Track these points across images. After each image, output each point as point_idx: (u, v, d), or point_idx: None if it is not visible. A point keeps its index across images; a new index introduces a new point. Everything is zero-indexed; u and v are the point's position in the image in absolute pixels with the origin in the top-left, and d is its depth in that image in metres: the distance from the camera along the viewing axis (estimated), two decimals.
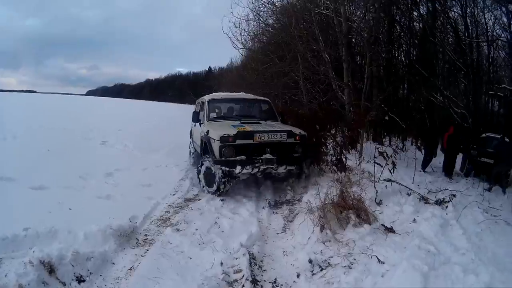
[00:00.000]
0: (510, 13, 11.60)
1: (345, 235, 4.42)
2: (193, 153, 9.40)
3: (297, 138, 6.71)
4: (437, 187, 6.79)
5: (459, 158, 9.26)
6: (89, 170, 7.77)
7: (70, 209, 5.36)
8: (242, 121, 7.19)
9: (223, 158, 6.27)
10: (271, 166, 6.50)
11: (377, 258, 3.81)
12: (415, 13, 14.37)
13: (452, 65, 13.32)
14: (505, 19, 12.19)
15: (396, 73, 15.03)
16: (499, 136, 8.78)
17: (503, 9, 12.05)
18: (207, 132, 6.73)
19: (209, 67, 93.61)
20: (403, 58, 15.68)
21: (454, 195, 6.12)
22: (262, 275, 3.92)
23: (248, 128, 6.63)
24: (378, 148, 7.21)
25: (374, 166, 6.47)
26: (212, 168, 6.45)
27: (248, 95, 9.31)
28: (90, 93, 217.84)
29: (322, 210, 4.69)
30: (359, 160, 7.60)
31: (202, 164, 6.73)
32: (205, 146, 6.81)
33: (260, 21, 16.25)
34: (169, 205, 6.13)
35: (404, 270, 3.40)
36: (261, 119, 7.73)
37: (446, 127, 9.08)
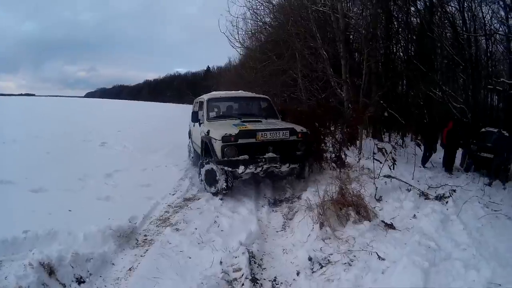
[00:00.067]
0: (508, 6, 11.57)
1: (345, 232, 4.41)
2: (192, 153, 9.30)
3: (299, 135, 6.63)
4: (437, 183, 6.74)
5: (459, 153, 9.23)
6: (88, 171, 7.78)
7: (69, 210, 5.35)
8: (242, 120, 7.10)
9: (225, 158, 6.17)
10: (274, 165, 6.40)
11: (377, 254, 3.79)
12: (412, 8, 14.34)
13: (451, 60, 13.30)
14: (502, 13, 12.18)
15: (394, 69, 14.98)
16: (496, 130, 8.73)
17: (501, 2, 12.04)
18: (208, 132, 6.64)
19: (208, 66, 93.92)
20: (401, 54, 15.64)
21: (454, 190, 6.08)
22: (261, 274, 3.91)
23: (250, 126, 6.54)
24: (377, 145, 7.18)
25: (373, 162, 6.43)
26: (214, 168, 6.38)
27: (247, 93, 9.23)
28: (89, 95, 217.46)
29: (321, 207, 4.67)
30: (358, 156, 7.57)
31: (203, 165, 6.64)
32: (206, 146, 6.73)
33: (257, 20, 16.25)
34: (168, 205, 6.13)
35: (405, 266, 3.37)
36: (262, 117, 7.66)
37: (446, 122, 9.06)
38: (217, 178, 6.36)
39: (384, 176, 6.35)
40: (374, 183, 5.89)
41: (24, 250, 3.82)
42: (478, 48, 13.16)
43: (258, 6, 15.61)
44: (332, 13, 12.02)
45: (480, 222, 4.77)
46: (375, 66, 13.52)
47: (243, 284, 3.59)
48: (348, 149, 8.08)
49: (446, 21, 13.55)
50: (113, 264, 4.02)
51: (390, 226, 4.55)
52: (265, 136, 6.31)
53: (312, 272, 3.78)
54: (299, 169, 7.06)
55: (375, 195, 5.66)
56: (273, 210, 6.00)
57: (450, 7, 13.46)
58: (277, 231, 5.11)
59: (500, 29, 12.59)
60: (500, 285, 3.15)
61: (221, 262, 3.96)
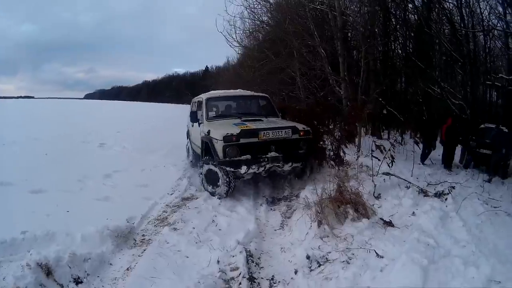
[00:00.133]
0: (505, 2, 11.52)
1: (343, 230, 4.38)
2: (191, 154, 9.18)
3: (301, 133, 6.58)
4: (436, 180, 6.71)
5: (459, 150, 9.20)
6: (87, 172, 7.84)
7: (68, 211, 5.39)
8: (243, 119, 7.04)
9: (227, 159, 6.09)
10: (277, 164, 6.33)
11: (376, 252, 3.76)
12: (410, 5, 14.30)
13: (449, 56, 13.25)
14: (500, 9, 12.12)
15: (393, 66, 14.96)
16: (494, 126, 8.70)
17: None
18: (208, 132, 6.55)
19: (206, 66, 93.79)
20: (399, 51, 15.60)
21: (454, 187, 6.03)
22: (259, 272, 3.91)
23: (251, 126, 6.48)
24: (375, 142, 7.15)
25: (372, 160, 6.39)
26: (215, 169, 6.30)
27: (246, 92, 9.13)
28: (87, 96, 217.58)
29: (319, 205, 4.66)
30: (357, 154, 7.54)
31: (203, 166, 6.58)
32: (206, 147, 6.65)
33: (255, 18, 16.25)
34: (166, 205, 6.16)
35: (403, 264, 3.34)
36: (262, 115, 7.57)
37: (444, 119, 9.03)
38: (218, 179, 6.29)
39: (383, 173, 6.31)
40: (372, 181, 5.85)
41: (23, 251, 3.84)
42: (476, 44, 13.10)
43: (256, 5, 15.63)
44: (329, 11, 12.01)
45: (479, 219, 4.72)
46: (373, 63, 13.51)
47: (240, 283, 3.59)
48: (347, 146, 8.04)
49: (444, 17, 13.50)
50: (110, 264, 4.03)
51: (389, 224, 4.51)
52: (268, 135, 6.24)
53: (310, 271, 3.77)
54: (302, 168, 7.00)
55: (374, 192, 5.61)
56: (271, 209, 5.99)
57: (447, 3, 13.42)
58: (275, 230, 5.10)
59: (498, 25, 12.57)
60: (500, 282, 3.12)
61: (218, 261, 3.97)
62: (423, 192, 5.77)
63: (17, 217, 4.98)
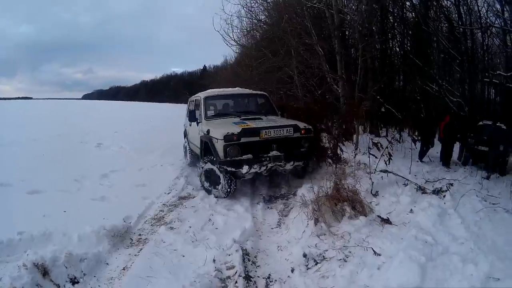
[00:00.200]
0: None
1: (340, 228, 4.36)
2: (189, 154, 9.07)
3: (303, 132, 6.48)
4: (434, 177, 6.67)
5: (457, 147, 9.18)
6: (84, 172, 7.85)
7: (64, 211, 5.38)
8: (242, 118, 6.92)
9: (228, 158, 5.95)
10: (279, 164, 6.21)
11: (373, 250, 3.75)
12: (407, 3, 14.28)
13: (447, 54, 13.24)
14: (498, 6, 12.11)
15: (391, 64, 14.93)
16: (491, 123, 8.66)
17: None
18: (208, 131, 6.45)
19: (204, 66, 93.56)
20: (397, 49, 15.58)
21: (452, 184, 6.00)
22: (255, 271, 3.88)
23: (252, 124, 6.34)
24: (372, 139, 7.11)
25: (369, 157, 6.36)
26: (216, 169, 6.21)
27: (245, 90, 8.98)
28: (86, 97, 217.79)
29: (316, 203, 4.62)
30: (355, 152, 7.50)
31: (203, 166, 6.49)
32: (206, 146, 6.55)
33: (252, 17, 16.21)
34: (163, 204, 6.14)
35: (401, 261, 3.33)
36: (261, 114, 7.44)
37: (443, 116, 9.01)
38: (219, 179, 6.20)
39: (381, 171, 6.29)
40: (370, 178, 5.82)
41: (19, 251, 3.88)
42: (474, 42, 13.09)
43: (253, 4, 15.61)
44: (326, 9, 11.96)
45: (478, 216, 4.70)
46: (371, 61, 13.48)
47: (236, 282, 3.57)
48: (344, 144, 8.00)
49: (442, 15, 13.48)
50: (107, 264, 4.02)
51: (387, 221, 4.49)
52: (269, 134, 6.14)
53: (307, 269, 3.74)
54: (303, 166, 6.91)
55: (371, 190, 5.60)
56: (268, 207, 5.95)
57: (445, 1, 13.42)
58: (272, 228, 5.07)
59: (496, 22, 12.56)
60: (498, 279, 3.10)
61: (214, 260, 3.94)
62: (421, 189, 5.76)
63: (14, 217, 4.97)
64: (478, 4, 12.66)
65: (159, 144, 12.41)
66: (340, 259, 3.75)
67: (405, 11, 14.56)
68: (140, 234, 4.87)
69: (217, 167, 6.17)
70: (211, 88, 9.54)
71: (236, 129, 6.03)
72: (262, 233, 4.91)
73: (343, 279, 3.38)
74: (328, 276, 3.52)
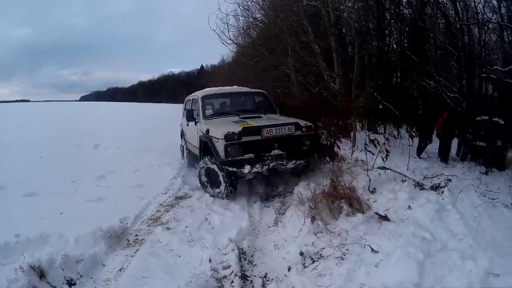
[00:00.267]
0: None
1: (338, 225, 4.33)
2: (187, 154, 8.93)
3: (304, 130, 6.38)
4: (432, 173, 6.67)
5: (455, 143, 9.15)
6: (81, 174, 7.86)
7: (61, 213, 5.41)
8: (241, 116, 6.83)
9: (229, 158, 5.82)
10: (281, 162, 6.08)
11: (371, 247, 3.72)
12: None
13: (444, 50, 13.22)
14: (495, 2, 12.07)
15: (388, 61, 14.91)
16: (487, 118, 8.64)
17: None
18: (207, 131, 6.33)
19: (201, 65, 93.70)
20: (394, 45, 15.56)
21: (450, 180, 5.97)
22: (252, 270, 3.86)
23: (252, 123, 6.25)
24: (368, 136, 7.08)
25: (366, 154, 6.32)
26: (216, 169, 6.09)
27: (243, 88, 8.93)
28: (83, 98, 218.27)
29: (312, 201, 4.59)
30: (352, 149, 7.47)
31: (203, 166, 6.38)
32: (205, 146, 6.46)
33: (248, 16, 16.19)
34: (160, 204, 6.13)
35: (399, 258, 3.29)
36: (260, 112, 7.33)
37: (440, 112, 8.98)
38: (219, 180, 6.08)
39: (378, 167, 6.27)
40: (367, 175, 5.80)
41: (16, 254, 3.89)
42: (472, 38, 13.07)
43: (249, 3, 15.58)
44: (323, 7, 11.91)
45: (476, 211, 4.67)
46: (368, 58, 13.44)
47: (232, 282, 3.55)
48: (341, 141, 7.96)
49: (438, 11, 13.45)
50: (103, 265, 4.02)
51: (384, 218, 4.46)
52: (271, 132, 6.02)
53: (304, 267, 3.71)
54: (305, 164, 6.79)
55: (369, 187, 5.57)
56: (265, 206, 5.91)
57: None
58: (269, 227, 5.03)
59: (493, 18, 12.54)
60: (498, 275, 3.07)
61: (210, 260, 3.93)
62: (419, 186, 5.73)
63: (11, 220, 5.00)
64: (475, 0, 12.63)
65: (156, 144, 12.41)
66: (337, 257, 3.71)
67: (401, 8, 14.53)
68: (136, 235, 4.85)
69: (217, 167, 6.06)
70: (208, 87, 9.45)
71: (237, 128, 5.92)
72: (259, 231, 4.87)
73: (340, 277, 3.35)
74: (325, 275, 3.48)
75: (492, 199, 5.21)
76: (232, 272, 3.67)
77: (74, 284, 3.58)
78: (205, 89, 8.51)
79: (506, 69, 10.95)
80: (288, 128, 6.19)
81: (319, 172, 6.45)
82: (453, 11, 12.97)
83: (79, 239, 4.28)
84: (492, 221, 4.42)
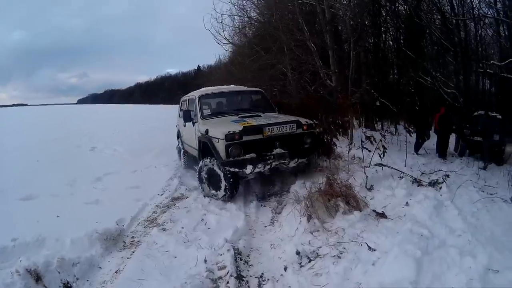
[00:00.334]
0: None
1: (334, 224, 4.28)
2: (184, 156, 8.80)
3: (305, 127, 6.27)
4: (430, 169, 6.60)
5: (453, 138, 9.12)
6: (78, 176, 7.92)
7: (57, 216, 5.44)
8: (240, 116, 6.72)
9: (230, 159, 5.66)
10: (283, 161, 5.96)
11: (368, 245, 3.67)
12: None
13: (440, 45, 13.21)
14: None
15: (384, 58, 14.89)
16: (483, 113, 8.61)
17: None
18: (206, 131, 6.20)
19: (198, 65, 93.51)
20: (390, 42, 15.55)
21: (448, 176, 5.91)
22: (248, 270, 3.84)
23: (252, 122, 6.14)
24: (364, 133, 7.03)
25: (363, 151, 6.27)
26: (217, 170, 5.95)
27: (240, 87, 8.81)
28: (80, 101, 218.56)
29: (308, 199, 4.55)
30: (349, 146, 7.42)
31: (203, 168, 6.25)
32: (204, 147, 6.35)
33: (243, 15, 16.17)
34: (156, 206, 6.14)
35: (396, 256, 3.25)
36: (259, 111, 7.21)
37: (437, 108, 8.95)
38: (221, 181, 5.94)
39: (375, 164, 6.21)
40: (364, 172, 5.73)
41: (14, 258, 3.92)
42: (468, 33, 13.05)
43: (244, 2, 15.56)
44: (318, 5, 11.88)
45: (475, 207, 4.63)
46: (364, 55, 13.41)
47: (228, 282, 3.53)
48: (338, 139, 7.91)
49: (434, 7, 13.44)
50: (100, 267, 4.05)
51: (382, 215, 4.41)
52: (272, 131, 5.89)
53: (300, 267, 3.67)
54: (307, 163, 6.71)
55: (366, 184, 5.51)
56: (261, 205, 5.85)
57: None
58: (265, 226, 5.00)
59: (489, 12, 12.51)
60: (498, 271, 3.02)
61: (205, 261, 3.92)
62: (417, 182, 5.67)
63: (8, 224, 5.02)
64: None
65: (154, 144, 12.48)
66: (334, 256, 3.67)
67: (397, 5, 14.50)
68: (133, 237, 4.85)
69: (218, 168, 5.94)
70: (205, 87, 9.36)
71: (237, 128, 5.79)
72: (255, 231, 4.84)
73: (336, 276, 3.30)
74: (321, 274, 3.44)
75: (491, 194, 5.17)
76: (228, 272, 3.65)
77: (70, 287, 3.59)
78: (202, 89, 8.37)
79: (503, 63, 10.93)
80: (290, 126, 6.08)
81: (315, 170, 6.39)
82: (448, 7, 12.97)
83: (75, 241, 4.31)
84: (491, 216, 4.38)
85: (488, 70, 11.87)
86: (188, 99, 8.27)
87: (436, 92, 12.46)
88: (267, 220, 5.19)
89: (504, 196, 5.03)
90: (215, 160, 5.93)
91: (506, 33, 12.00)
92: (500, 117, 8.17)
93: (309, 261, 3.70)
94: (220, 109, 7.65)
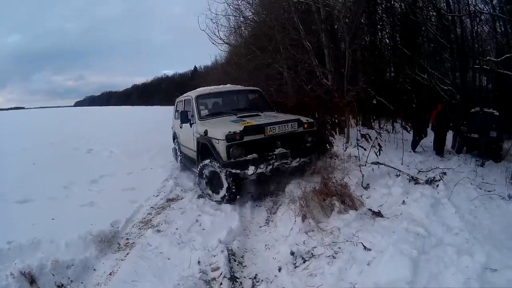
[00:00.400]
0: None
1: (330, 223, 4.23)
2: (181, 158, 8.61)
3: (306, 126, 6.19)
4: (427, 167, 6.57)
5: (450, 135, 9.08)
6: (74, 179, 7.90)
7: (53, 219, 5.41)
8: (238, 115, 6.57)
9: (231, 160, 5.53)
10: (285, 161, 5.85)
11: (363, 245, 3.62)
12: None
13: (436, 42, 13.18)
14: None
15: (380, 56, 14.86)
16: (479, 109, 8.56)
17: None
18: (205, 132, 6.06)
19: (195, 66, 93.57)
20: (387, 40, 15.52)
21: (445, 173, 5.88)
22: (242, 271, 3.81)
23: (253, 121, 6.00)
24: (360, 131, 6.98)
25: (358, 149, 6.21)
26: (218, 172, 5.80)
27: (237, 87, 8.64)
28: (78, 104, 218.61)
29: (303, 199, 4.50)
30: (345, 145, 7.37)
31: (202, 170, 6.09)
32: (203, 149, 6.20)
33: (239, 15, 16.14)
34: (151, 207, 6.12)
35: (391, 256, 3.20)
36: (257, 110, 7.06)
37: (434, 105, 8.91)
38: (222, 183, 5.79)
39: (372, 163, 6.16)
40: (360, 171, 5.69)
41: (9, 260, 3.86)
42: (464, 29, 13.02)
43: (239, 1, 15.52)
44: (313, 3, 11.83)
45: (473, 204, 4.59)
46: (360, 53, 13.38)
47: (221, 283, 3.51)
48: (334, 138, 7.86)
49: (430, 4, 13.41)
50: (94, 269, 4.04)
51: (378, 214, 4.36)
52: (274, 131, 5.79)
53: (295, 267, 3.63)
54: (308, 162, 6.45)
55: (362, 183, 5.46)
56: (257, 205, 5.79)
57: None
58: (260, 226, 4.96)
59: (485, 9, 12.49)
60: (496, 269, 2.97)
61: (199, 262, 3.88)
62: (414, 180, 5.63)
63: (3, 227, 4.96)
64: None
65: (151, 145, 12.47)
66: (329, 256, 3.62)
67: (392, 2, 14.47)
68: (127, 238, 4.83)
69: (219, 169, 5.79)
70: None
71: (238, 128, 5.65)
72: (250, 232, 4.79)
73: (331, 277, 3.26)
74: (316, 274, 3.40)
75: (489, 191, 5.14)
76: (221, 273, 3.61)
77: None
78: (198, 89, 8.21)
79: (499, 59, 10.90)
80: (291, 125, 5.99)
81: (311, 169, 6.33)
82: (444, 3, 12.93)
83: (70, 244, 4.28)
84: (488, 213, 4.35)
85: (484, 67, 11.85)
86: (184, 99, 8.08)
87: (433, 89, 12.46)
88: (262, 220, 5.15)
89: (502, 193, 5.00)
90: (216, 162, 5.80)
91: (502, 29, 11.97)
92: (497, 113, 8.13)
93: (304, 262, 3.65)
94: (218, 109, 7.49)
